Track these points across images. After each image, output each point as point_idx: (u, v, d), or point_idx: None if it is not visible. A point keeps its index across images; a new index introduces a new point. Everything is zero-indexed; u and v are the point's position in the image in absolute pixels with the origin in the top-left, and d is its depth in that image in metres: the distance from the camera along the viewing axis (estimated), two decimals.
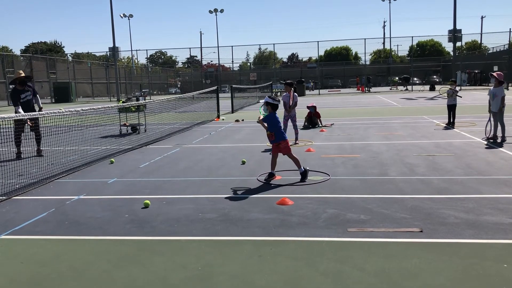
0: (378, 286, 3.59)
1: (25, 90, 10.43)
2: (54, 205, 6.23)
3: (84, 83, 55.31)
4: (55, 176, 8.06)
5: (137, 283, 3.80)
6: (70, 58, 60.68)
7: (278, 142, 7.31)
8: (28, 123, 10.00)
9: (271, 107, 7.34)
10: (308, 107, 15.40)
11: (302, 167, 7.25)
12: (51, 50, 75.27)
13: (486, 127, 11.00)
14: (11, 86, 10.89)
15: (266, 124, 7.33)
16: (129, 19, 64.55)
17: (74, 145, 10.63)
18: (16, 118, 8.96)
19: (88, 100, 49.72)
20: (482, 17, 78.97)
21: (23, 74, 10.66)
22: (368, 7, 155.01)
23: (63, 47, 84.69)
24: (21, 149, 10.28)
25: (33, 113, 8.60)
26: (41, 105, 10.77)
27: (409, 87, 45.04)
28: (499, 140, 10.48)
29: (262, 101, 7.75)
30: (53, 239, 4.96)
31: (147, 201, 6.05)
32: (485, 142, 10.46)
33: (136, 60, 75.84)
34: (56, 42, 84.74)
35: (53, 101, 43.75)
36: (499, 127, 10.61)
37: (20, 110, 9.95)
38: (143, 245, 4.69)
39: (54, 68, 51.41)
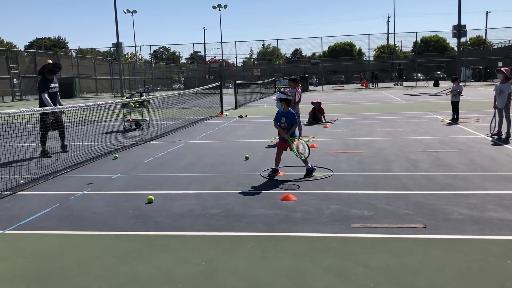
0: (382, 282, 3.59)
1: (54, 81, 9.73)
2: (59, 200, 6.25)
3: (88, 79, 55.36)
4: (59, 172, 8.08)
5: (141, 278, 3.81)
6: (74, 54, 60.73)
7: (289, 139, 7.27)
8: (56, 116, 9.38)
9: (286, 102, 7.36)
10: (313, 103, 15.39)
11: (309, 164, 7.26)
12: (55, 46, 75.46)
13: (491, 124, 10.93)
14: (39, 76, 10.05)
15: (287, 129, 7.30)
16: (132, 15, 64.33)
17: (78, 140, 10.65)
18: (40, 112, 8.43)
19: (92, 95, 49.80)
20: (487, 13, 77.97)
21: (51, 62, 9.84)
22: (372, 2, 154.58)
23: (67, 42, 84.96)
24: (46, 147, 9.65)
25: (57, 107, 8.29)
26: (60, 102, 10.12)
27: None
28: (503, 136, 10.43)
29: (273, 97, 7.74)
30: (58, 234, 4.98)
31: (151, 197, 6.07)
32: (490, 138, 10.41)
33: (139, 56, 75.87)
34: (60, 37, 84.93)
35: None
36: (504, 123, 10.55)
37: (48, 98, 9.27)
38: (147, 240, 4.71)
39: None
